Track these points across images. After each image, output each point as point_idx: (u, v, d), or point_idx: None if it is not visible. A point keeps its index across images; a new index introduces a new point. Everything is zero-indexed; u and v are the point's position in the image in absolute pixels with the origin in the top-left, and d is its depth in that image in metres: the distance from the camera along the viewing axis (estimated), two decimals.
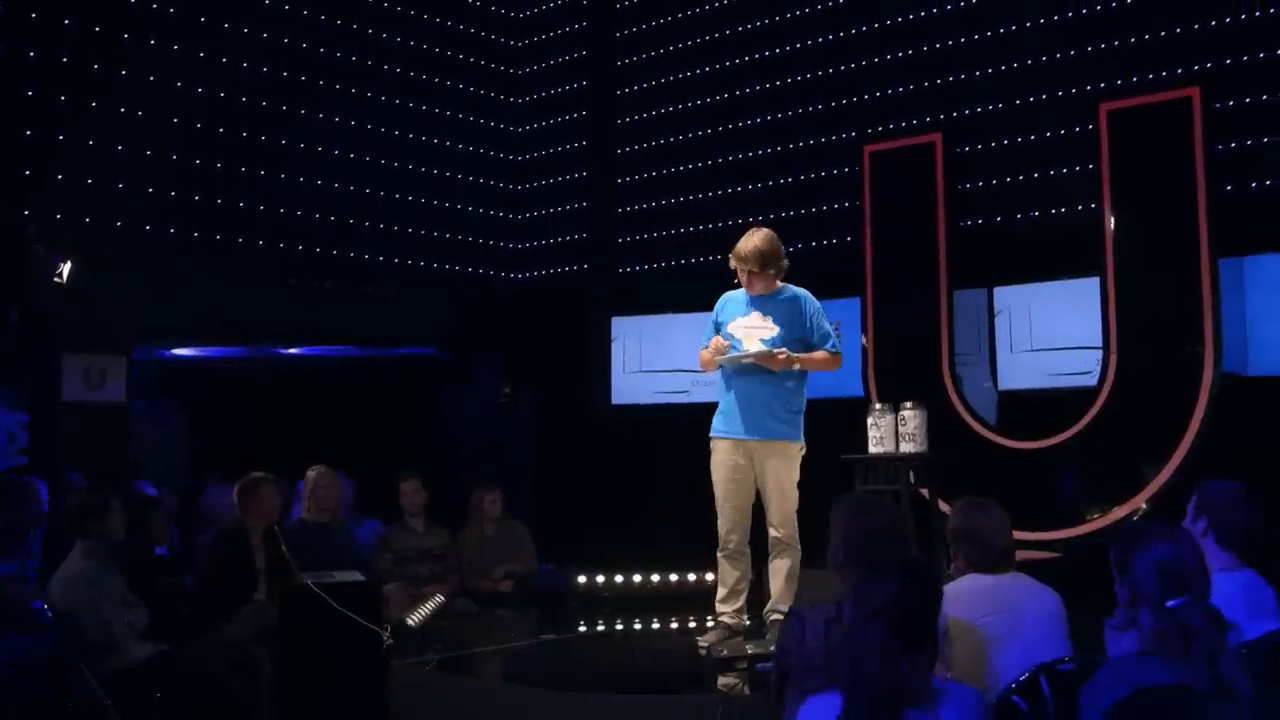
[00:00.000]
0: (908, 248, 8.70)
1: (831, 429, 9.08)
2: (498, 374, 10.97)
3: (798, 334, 5.74)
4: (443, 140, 10.64)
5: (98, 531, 5.64)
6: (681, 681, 5.06)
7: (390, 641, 5.34)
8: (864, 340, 8.70)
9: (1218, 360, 7.35)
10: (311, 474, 7.17)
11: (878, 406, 6.11)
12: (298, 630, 5.36)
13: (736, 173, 10.02)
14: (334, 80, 9.84)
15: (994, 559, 3.92)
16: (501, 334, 10.79)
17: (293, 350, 10.75)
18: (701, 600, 7.25)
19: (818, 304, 5.91)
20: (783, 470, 5.69)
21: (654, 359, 10.28)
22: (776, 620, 5.68)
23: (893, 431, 5.94)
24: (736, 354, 5.74)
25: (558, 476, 10.45)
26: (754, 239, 5.78)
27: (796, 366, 5.71)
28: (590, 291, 10.68)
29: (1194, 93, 7.49)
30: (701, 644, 5.62)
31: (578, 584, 7.43)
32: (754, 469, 5.75)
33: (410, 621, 5.82)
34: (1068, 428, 7.96)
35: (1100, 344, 8.00)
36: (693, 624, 6.52)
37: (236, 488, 6.69)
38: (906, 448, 5.91)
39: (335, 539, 7.09)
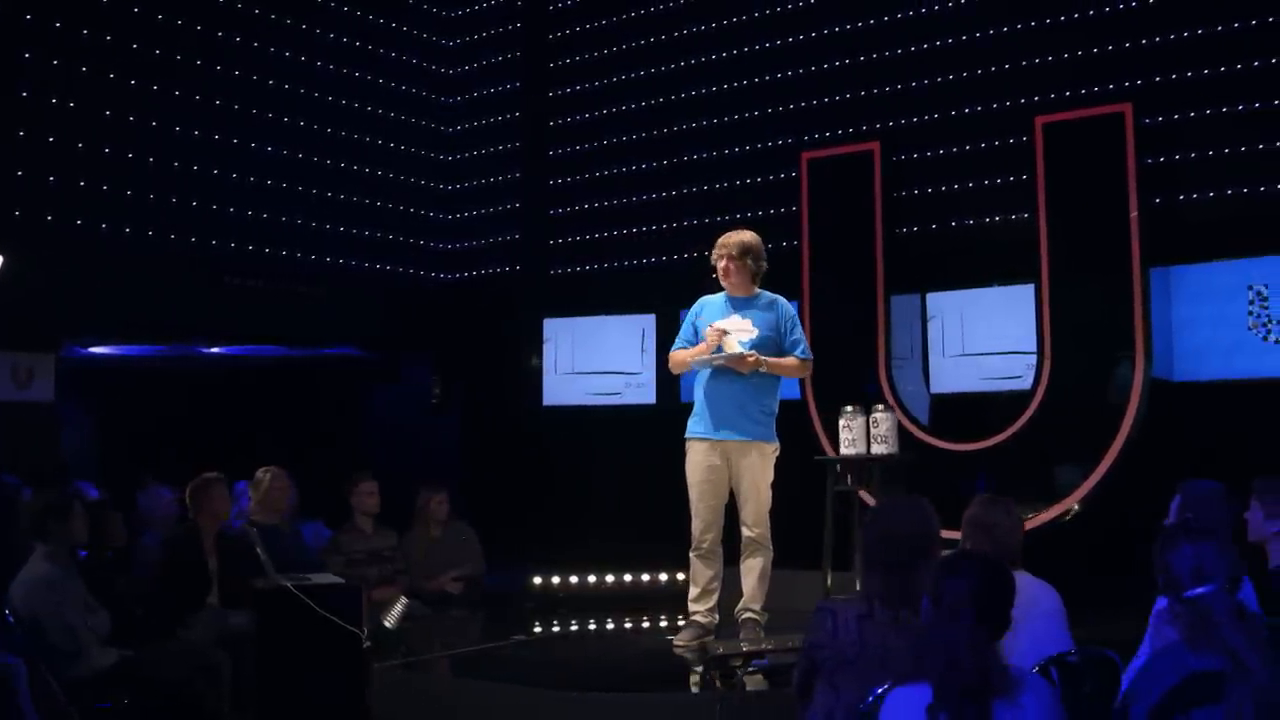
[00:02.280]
0: (845, 253, 8.87)
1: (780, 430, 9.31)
2: (428, 374, 10.89)
3: (774, 338, 5.85)
4: (375, 139, 10.54)
5: (60, 534, 5.48)
6: (677, 679, 5.11)
7: (368, 644, 5.28)
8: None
9: (1148, 366, 7.66)
10: (264, 475, 7.03)
11: (849, 409, 6.25)
12: (275, 634, 5.27)
13: (671, 176, 10.11)
14: (267, 76, 9.69)
15: (1005, 556, 4.06)
16: (432, 334, 10.74)
17: (215, 349, 10.53)
18: (654, 600, 7.33)
19: (793, 311, 6.05)
20: (757, 470, 5.79)
21: (586, 360, 10.31)
22: (749, 620, 5.76)
23: (864, 433, 6.08)
24: (707, 356, 5.84)
25: (487, 477, 10.41)
26: (740, 232, 5.97)
27: (763, 369, 5.80)
28: (522, 292, 10.67)
29: (1126, 109, 7.80)
30: (676, 643, 5.68)
31: (534, 584, 7.42)
32: (729, 469, 5.83)
33: (387, 624, 5.77)
34: (1000, 430, 8.21)
35: (1029, 349, 8.30)
36: (646, 623, 6.59)
37: (188, 488, 6.55)
38: (879, 449, 6.06)
39: (285, 541, 6.97)
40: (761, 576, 5.79)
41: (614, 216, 10.38)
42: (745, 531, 5.82)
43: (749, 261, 5.91)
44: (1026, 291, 8.27)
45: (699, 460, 5.86)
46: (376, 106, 10.57)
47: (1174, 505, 4.28)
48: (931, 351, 8.93)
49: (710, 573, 5.88)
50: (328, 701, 5.13)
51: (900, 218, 8.88)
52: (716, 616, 5.88)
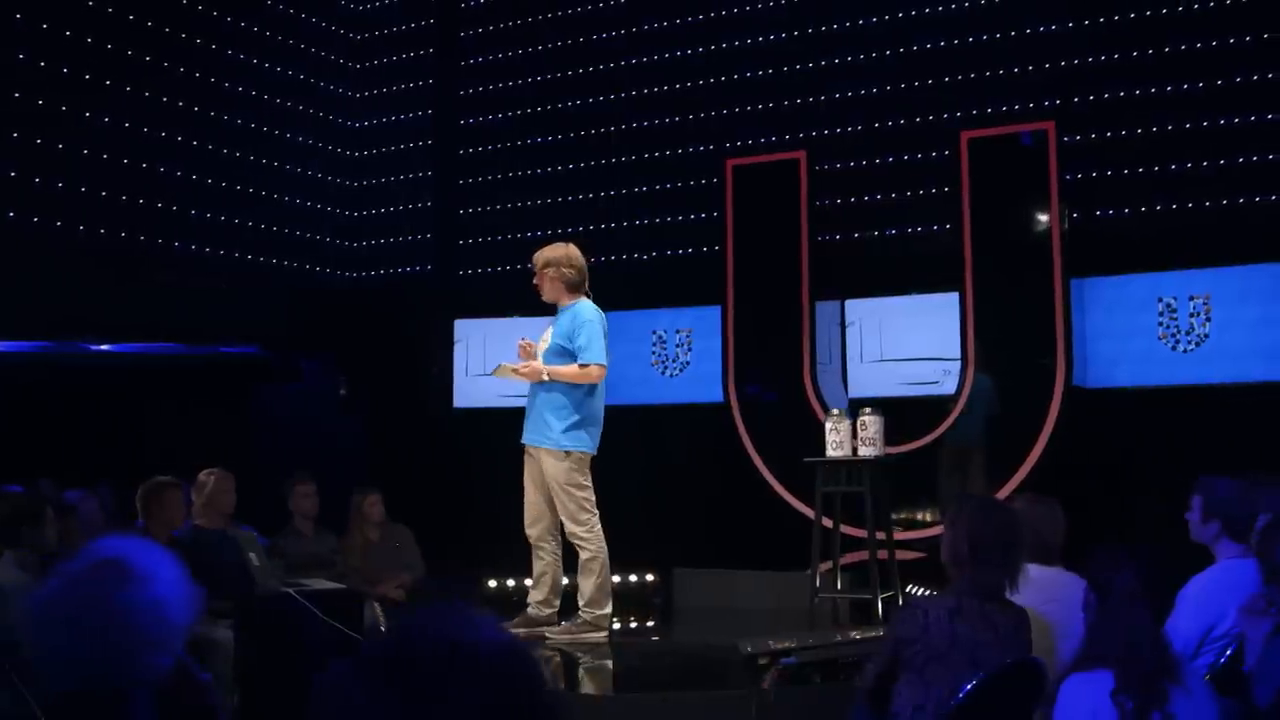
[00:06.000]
0: (769, 260, 9.02)
1: (692, 432, 9.41)
2: (331, 375, 10.61)
3: (565, 345, 6.11)
4: (283, 132, 10.23)
5: (32, 540, 5.19)
6: (706, 678, 5.13)
7: None
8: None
9: (1069, 373, 8.04)
10: (207, 478, 6.78)
11: (835, 412, 6.37)
12: (270, 641, 5.10)
13: (589, 179, 10.10)
14: (173, 62, 9.31)
15: (1046, 551, 4.24)
16: (337, 334, 10.46)
17: (104, 347, 10.04)
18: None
19: (590, 319, 6.19)
20: (550, 474, 6.06)
21: (498, 362, 10.18)
22: (577, 614, 6.01)
23: (850, 436, 6.21)
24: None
25: (395, 480, 10.17)
26: (547, 248, 6.31)
27: (545, 378, 6.02)
28: (433, 292, 10.52)
29: (1049, 126, 8.17)
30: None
31: (488, 587, 7.34)
32: (539, 471, 6.13)
33: (383, 629, 5.63)
34: (920, 435, 8.48)
35: (944, 356, 8.61)
36: (619, 624, 6.58)
37: (139, 492, 6.28)
38: (865, 451, 6.20)
39: (235, 545, 6.72)
40: (584, 573, 6.02)
41: (528, 217, 10.30)
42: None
43: (550, 273, 6.21)
44: (943, 300, 8.56)
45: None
46: (285, 99, 10.27)
47: (1195, 502, 4.48)
48: (850, 357, 9.17)
49: (538, 565, 6.19)
50: None
51: (824, 226, 9.08)
52: (550, 611, 6.14)
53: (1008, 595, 3.73)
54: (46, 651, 2.33)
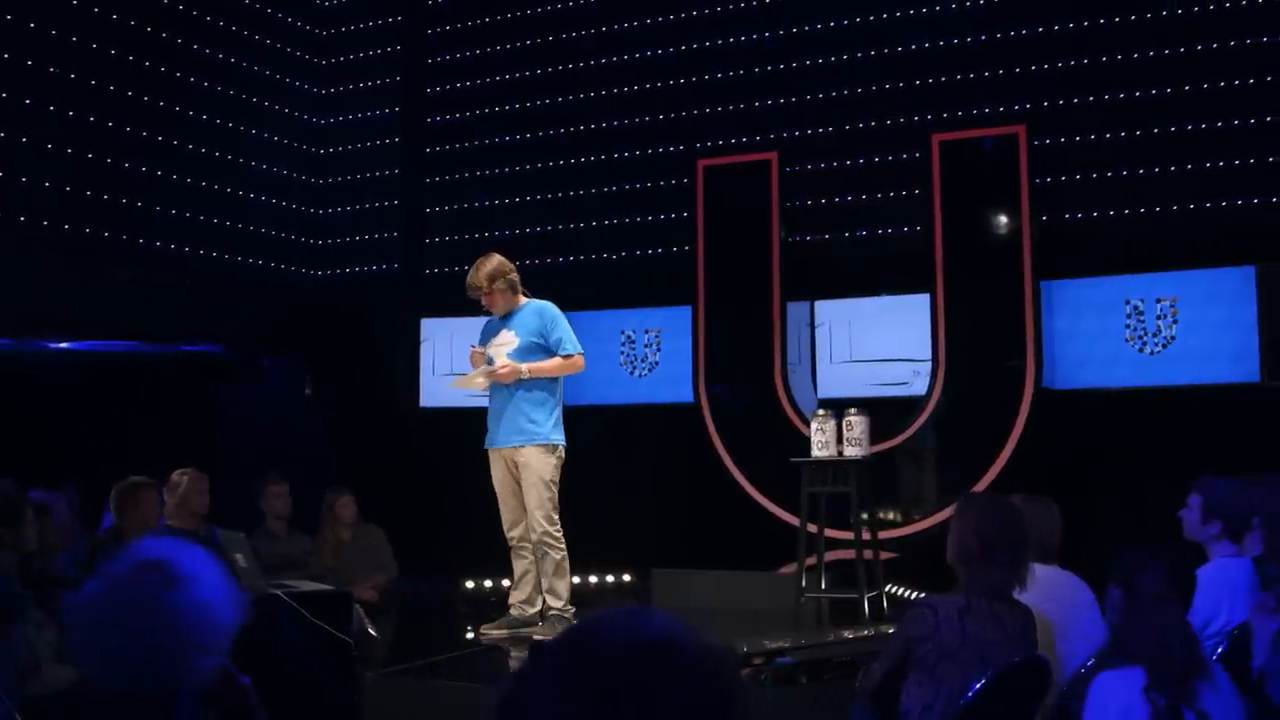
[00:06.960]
0: (740, 260, 9.03)
1: (662, 433, 9.41)
2: (295, 374, 10.50)
3: (538, 343, 6.13)
4: (248, 129, 10.09)
5: (11, 542, 5.09)
6: None
7: (356, 652, 5.10)
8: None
9: (1038, 374, 8.12)
10: (180, 478, 6.66)
11: (821, 412, 6.39)
12: (256, 642, 5.01)
13: (558, 178, 10.06)
14: (139, 57, 9.16)
15: (1043, 550, 4.27)
16: (302, 333, 10.34)
17: (64, 344, 9.86)
18: (594, 599, 7.33)
19: (557, 313, 6.29)
20: (538, 469, 6.02)
21: (464, 362, 10.11)
22: (553, 615, 6.02)
23: (835, 436, 6.22)
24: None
25: (360, 480, 10.09)
26: (477, 267, 6.23)
27: (525, 375, 6.02)
28: (400, 291, 10.44)
29: (1020, 129, 8.25)
30: (484, 631, 6.12)
31: (466, 588, 7.29)
32: (514, 473, 6.12)
33: (372, 631, 5.57)
34: (890, 436, 8.52)
35: (913, 357, 8.67)
36: None
37: (113, 493, 6.17)
38: (851, 452, 6.21)
39: (212, 546, 6.63)
40: (559, 573, 6.06)
41: (496, 216, 10.26)
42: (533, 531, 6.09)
43: (499, 285, 6.21)
44: (913, 301, 8.62)
45: (492, 468, 6.24)
46: (251, 95, 10.13)
47: (1194, 502, 4.53)
48: (819, 358, 9.20)
49: (519, 566, 6.21)
50: (317, 712, 4.92)
51: (795, 226, 9.11)
52: (533, 611, 6.16)
53: (1015, 594, 3.76)
54: (91, 654, 2.28)
